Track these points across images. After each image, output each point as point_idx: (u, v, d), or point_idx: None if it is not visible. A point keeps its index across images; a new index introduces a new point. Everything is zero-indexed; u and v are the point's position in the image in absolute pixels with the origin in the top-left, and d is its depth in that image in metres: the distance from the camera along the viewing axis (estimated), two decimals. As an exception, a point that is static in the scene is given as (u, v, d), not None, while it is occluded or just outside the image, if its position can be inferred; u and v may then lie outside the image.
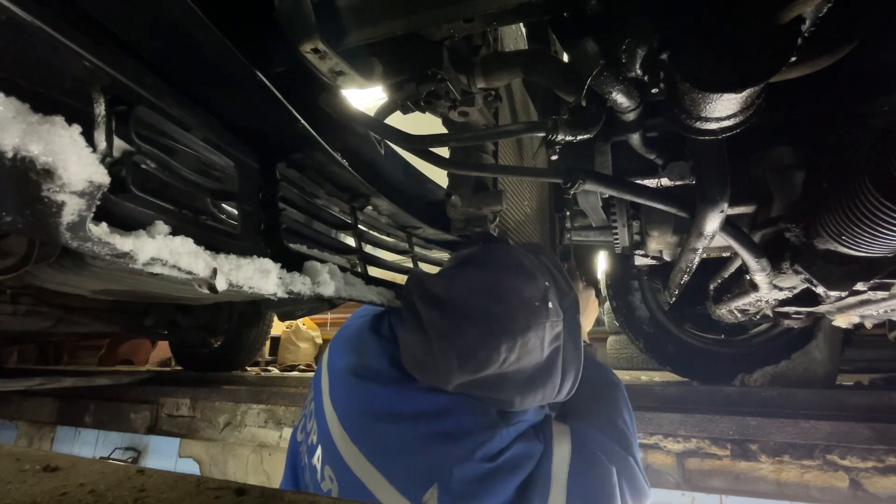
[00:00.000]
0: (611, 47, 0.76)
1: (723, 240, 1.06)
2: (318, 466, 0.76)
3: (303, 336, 4.84)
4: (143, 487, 0.42)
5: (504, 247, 0.90)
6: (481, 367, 0.70)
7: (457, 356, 0.69)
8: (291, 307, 0.88)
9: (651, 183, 1.30)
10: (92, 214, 0.42)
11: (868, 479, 1.54)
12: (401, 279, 1.10)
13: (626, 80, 0.80)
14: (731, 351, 2.26)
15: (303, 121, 0.75)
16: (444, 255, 1.41)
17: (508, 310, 0.72)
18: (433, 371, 0.72)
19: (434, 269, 1.36)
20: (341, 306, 0.88)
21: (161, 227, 0.51)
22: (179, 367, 3.70)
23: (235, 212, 0.72)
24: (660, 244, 1.54)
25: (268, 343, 4.26)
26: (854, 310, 1.29)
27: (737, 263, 1.50)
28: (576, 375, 0.77)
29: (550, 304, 0.74)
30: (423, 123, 1.03)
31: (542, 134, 0.85)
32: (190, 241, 0.52)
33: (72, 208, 0.40)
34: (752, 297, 1.46)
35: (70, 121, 0.40)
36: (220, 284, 0.54)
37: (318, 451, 0.78)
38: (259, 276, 0.61)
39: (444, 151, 0.96)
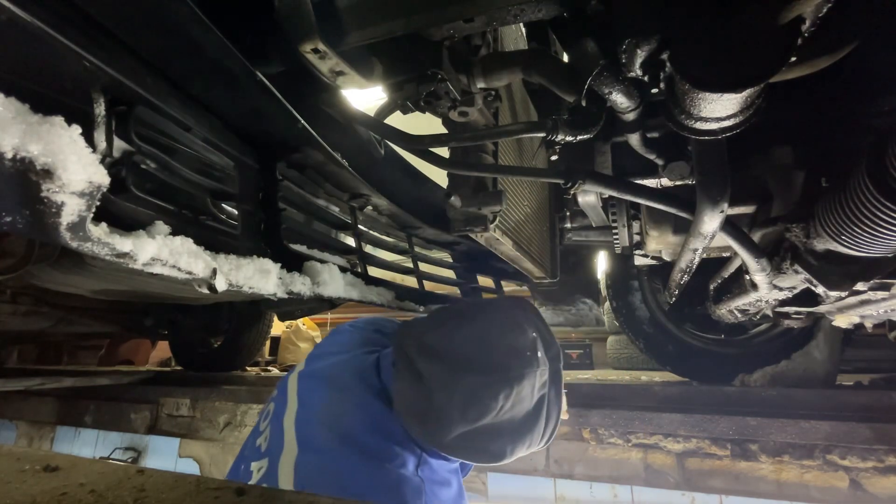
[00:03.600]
0: (611, 47, 0.76)
1: (723, 240, 1.06)
2: (255, 479, 0.74)
3: (303, 336, 4.83)
4: (143, 487, 0.42)
5: (491, 302, 0.94)
6: (481, 416, 0.72)
7: (459, 405, 0.72)
8: (291, 307, 0.88)
9: (651, 183, 1.30)
10: (92, 215, 0.42)
11: (868, 479, 1.54)
12: (401, 279, 1.10)
13: (626, 80, 0.80)
14: (731, 351, 2.25)
15: (303, 121, 0.75)
16: (444, 255, 1.41)
17: (505, 359, 0.75)
18: (434, 422, 0.73)
19: (434, 270, 1.36)
20: (341, 306, 0.88)
21: (161, 227, 0.51)
22: (179, 367, 3.70)
23: (235, 212, 0.72)
24: (660, 244, 1.54)
25: (268, 343, 4.26)
26: (854, 310, 1.29)
27: (737, 263, 1.50)
28: (556, 420, 0.82)
29: (539, 354, 0.78)
30: (423, 123, 1.03)
31: (542, 134, 0.85)
32: (190, 241, 0.52)
33: (71, 208, 0.40)
34: (752, 297, 1.46)
35: (70, 121, 0.40)
36: (220, 284, 0.54)
37: (264, 464, 0.75)
38: (259, 276, 0.61)
39: (444, 151, 0.96)
